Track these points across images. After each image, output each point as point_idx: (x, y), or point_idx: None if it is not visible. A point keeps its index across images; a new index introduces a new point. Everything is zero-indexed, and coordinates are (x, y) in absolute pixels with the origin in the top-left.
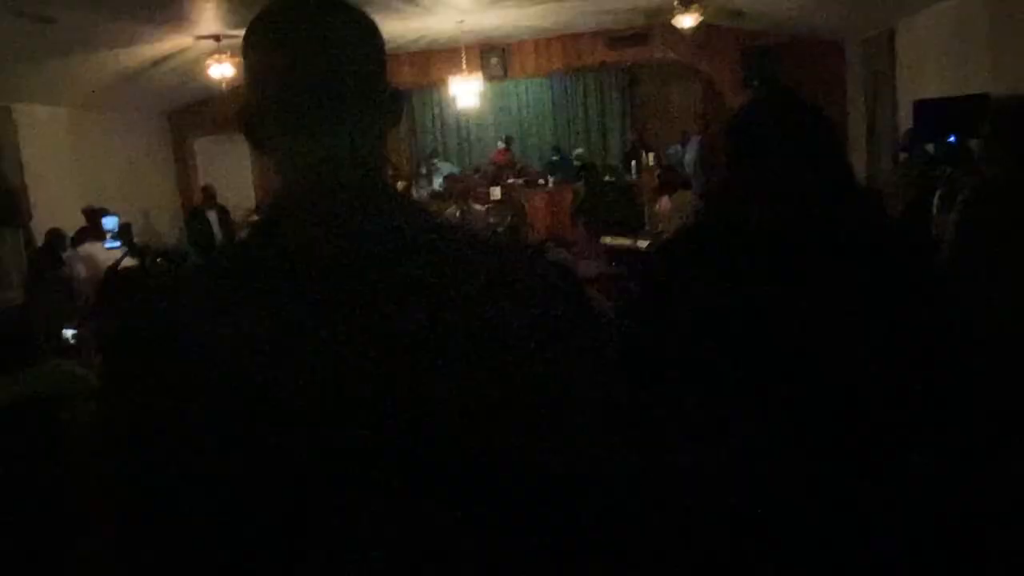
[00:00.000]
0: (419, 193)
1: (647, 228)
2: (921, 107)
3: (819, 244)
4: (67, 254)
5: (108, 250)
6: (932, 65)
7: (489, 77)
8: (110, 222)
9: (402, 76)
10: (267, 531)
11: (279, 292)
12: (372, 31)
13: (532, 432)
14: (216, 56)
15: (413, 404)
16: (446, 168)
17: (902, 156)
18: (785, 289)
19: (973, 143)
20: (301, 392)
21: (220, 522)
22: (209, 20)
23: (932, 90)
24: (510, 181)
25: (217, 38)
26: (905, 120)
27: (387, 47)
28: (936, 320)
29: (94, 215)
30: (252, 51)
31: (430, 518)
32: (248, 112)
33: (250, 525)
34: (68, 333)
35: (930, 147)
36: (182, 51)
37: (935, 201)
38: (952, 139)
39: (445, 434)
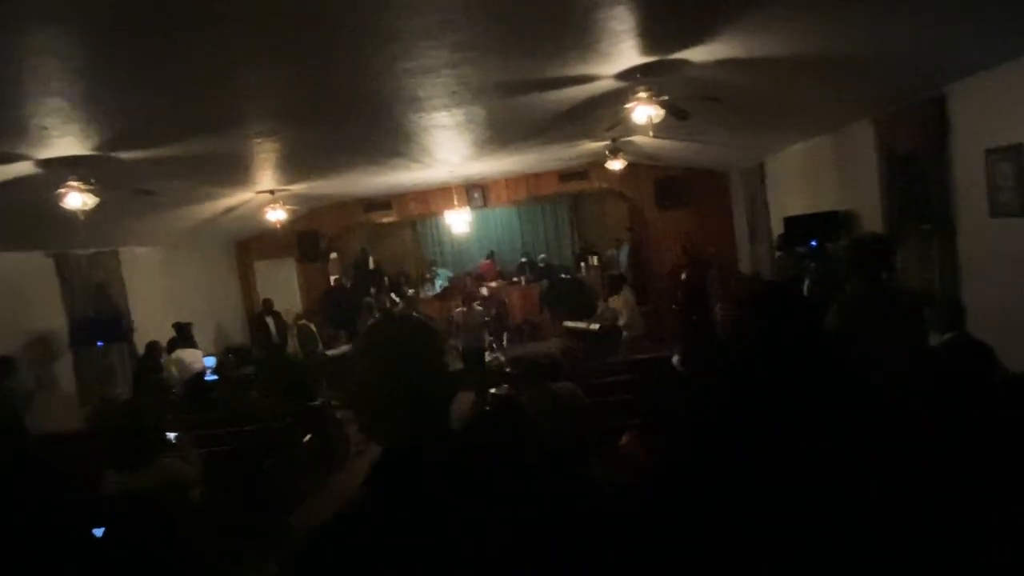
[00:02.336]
0: (424, 293)
1: (598, 314)
2: (790, 221)
3: None
4: (163, 359)
5: (195, 354)
6: (792, 188)
7: (473, 207)
8: (209, 362)
9: (410, 209)
10: None
11: (412, 537)
12: (439, 337)
13: None
14: (271, 204)
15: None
16: (443, 273)
17: (777, 254)
18: None
19: (828, 245)
20: None
21: None
22: (266, 180)
23: (793, 205)
24: (493, 284)
25: (272, 192)
26: (776, 227)
27: (399, 190)
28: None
29: (181, 328)
30: (372, 353)
31: None
32: (360, 396)
33: None
34: (171, 436)
35: (799, 248)
36: (246, 202)
37: (806, 284)
38: (813, 243)
39: None
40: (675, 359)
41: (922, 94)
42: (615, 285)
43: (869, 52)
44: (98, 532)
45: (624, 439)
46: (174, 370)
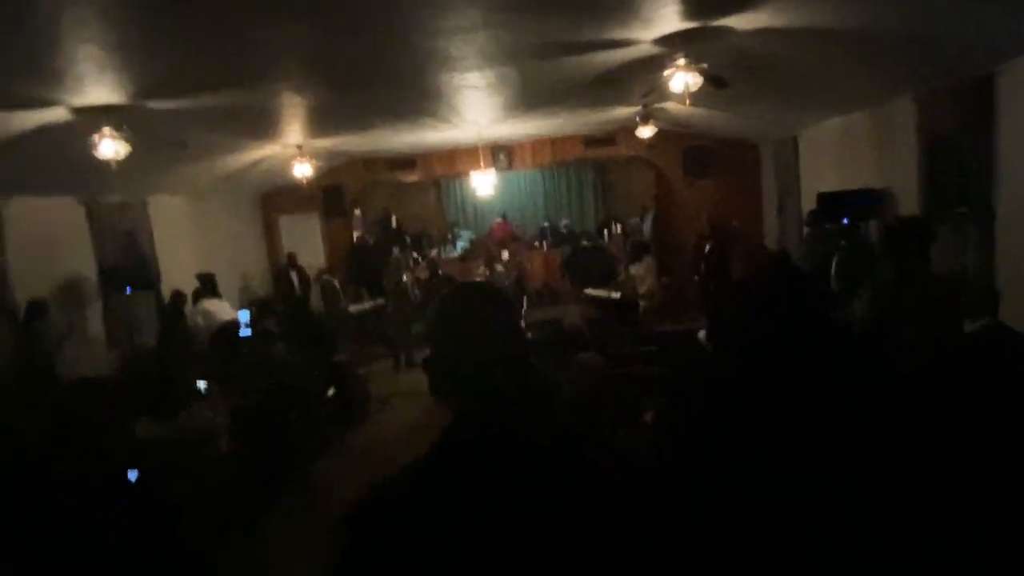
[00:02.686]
0: (446, 254)
1: (619, 282)
2: (823, 197)
3: None
4: (189, 309)
5: (221, 304)
6: (827, 163)
7: (498, 169)
8: (243, 316)
9: (435, 169)
10: None
11: (475, 504)
12: (513, 305)
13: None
14: (298, 159)
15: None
16: (465, 234)
17: (806, 230)
18: None
19: (860, 224)
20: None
21: None
22: (293, 134)
23: (827, 181)
24: (515, 247)
25: (299, 146)
26: (807, 202)
27: (424, 149)
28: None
29: (205, 278)
30: (446, 321)
31: None
32: (435, 362)
33: None
34: (201, 385)
35: (829, 225)
36: (273, 155)
37: (834, 263)
38: (845, 221)
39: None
40: (701, 334)
41: (969, 73)
42: (637, 252)
43: (916, 27)
44: (132, 476)
45: (649, 415)
46: (200, 320)
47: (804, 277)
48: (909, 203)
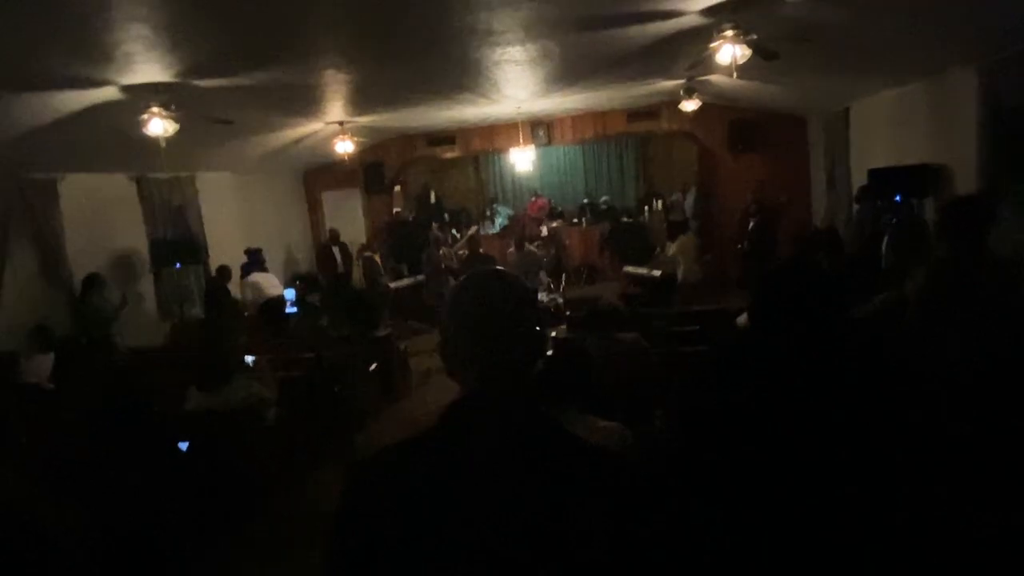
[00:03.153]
0: (485, 230)
1: (659, 258)
2: (875, 173)
3: None
4: (238, 283)
5: (269, 278)
6: (879, 137)
7: (537, 145)
8: (289, 294)
9: (474, 144)
10: None
11: (457, 478)
12: (528, 295)
13: None
14: (340, 136)
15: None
16: (504, 211)
17: (855, 207)
18: None
19: (913, 201)
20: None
21: None
22: (336, 111)
23: (879, 156)
24: (554, 224)
25: (341, 123)
26: (858, 178)
27: (464, 125)
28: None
29: (253, 253)
30: (455, 306)
31: None
32: (444, 344)
33: None
34: (248, 359)
35: (880, 202)
36: (316, 132)
37: (884, 240)
38: (898, 198)
39: None
40: (740, 318)
41: None
42: (675, 231)
43: None
44: (183, 446)
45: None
46: (249, 293)
47: (822, 274)
48: (968, 179)
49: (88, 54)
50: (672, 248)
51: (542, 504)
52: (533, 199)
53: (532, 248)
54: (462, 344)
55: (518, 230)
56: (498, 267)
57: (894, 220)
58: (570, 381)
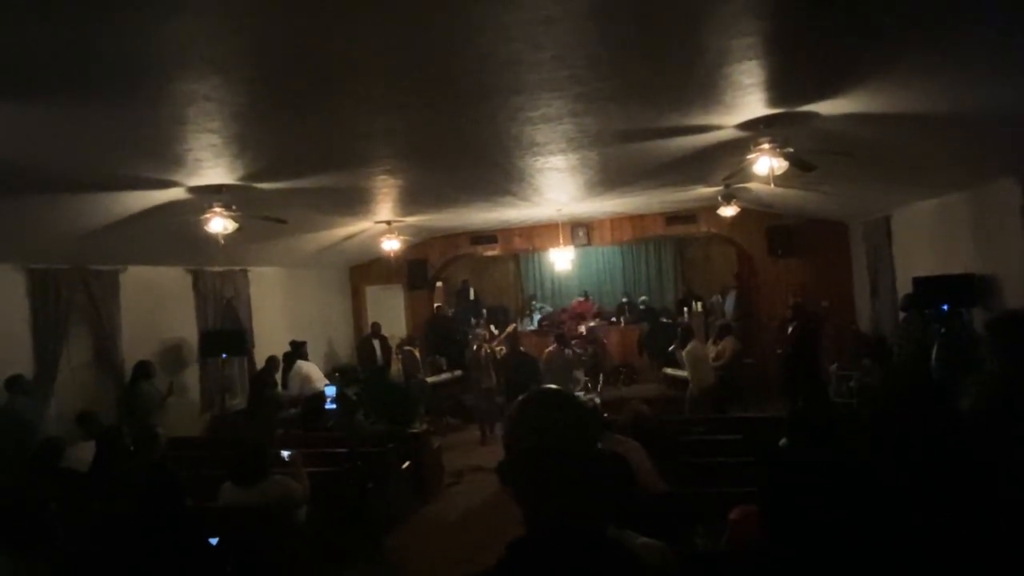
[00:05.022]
0: (523, 327)
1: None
2: (919, 281)
3: None
4: (291, 372)
5: (315, 370)
6: (921, 245)
7: (577, 245)
8: (329, 391)
9: (515, 244)
10: None
11: None
12: (592, 416)
13: None
14: (387, 234)
15: None
16: (542, 307)
17: (902, 315)
18: None
19: (963, 311)
20: None
21: None
22: (385, 211)
23: (921, 263)
24: (592, 324)
25: (389, 223)
26: (902, 286)
27: (505, 225)
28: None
29: (298, 345)
30: (518, 428)
31: None
32: (506, 469)
33: None
34: (285, 454)
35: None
36: (364, 231)
37: (934, 351)
38: (945, 307)
39: None
40: (783, 441)
41: None
42: (719, 335)
43: (1015, 108)
44: (213, 542)
45: (735, 513)
46: (296, 382)
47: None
48: (1016, 290)
49: (162, 158)
50: (713, 350)
51: None
52: (581, 299)
53: (567, 350)
54: (535, 466)
55: (556, 328)
56: (555, 386)
57: (943, 330)
58: (611, 494)
